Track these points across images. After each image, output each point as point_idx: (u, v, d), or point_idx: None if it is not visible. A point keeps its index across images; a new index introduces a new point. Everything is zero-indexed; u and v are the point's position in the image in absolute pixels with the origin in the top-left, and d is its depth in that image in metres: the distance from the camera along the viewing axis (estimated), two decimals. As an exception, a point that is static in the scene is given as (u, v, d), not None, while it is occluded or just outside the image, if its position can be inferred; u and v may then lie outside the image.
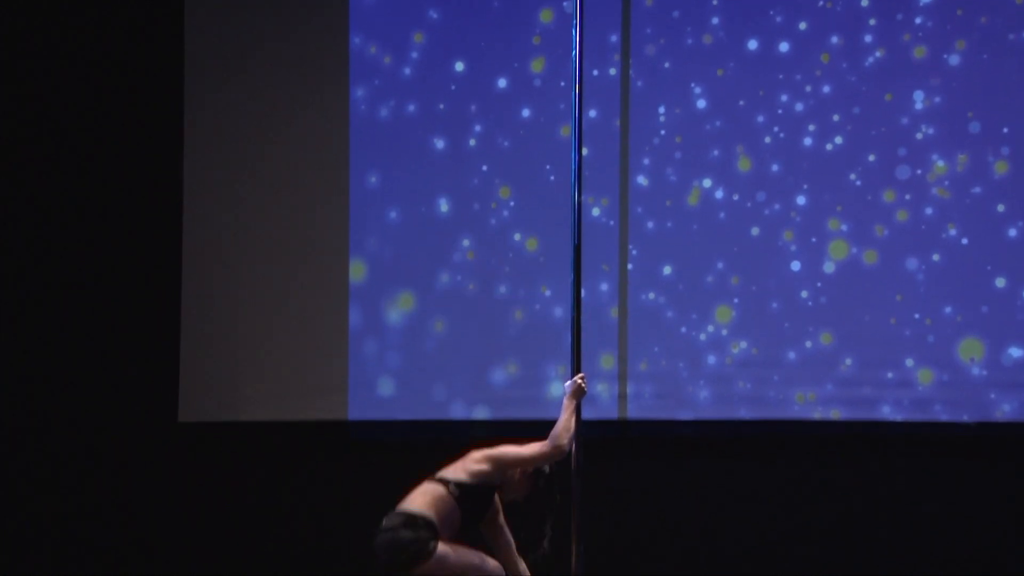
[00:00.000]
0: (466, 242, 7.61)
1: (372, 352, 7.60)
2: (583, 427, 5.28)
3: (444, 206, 7.64)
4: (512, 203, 7.59)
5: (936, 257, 7.20)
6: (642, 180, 7.48)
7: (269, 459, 7.73)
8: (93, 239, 7.90)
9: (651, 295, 7.43)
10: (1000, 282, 7.14)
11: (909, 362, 7.16)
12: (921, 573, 7.11)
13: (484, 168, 7.61)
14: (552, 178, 7.53)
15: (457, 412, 7.50)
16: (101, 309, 7.86)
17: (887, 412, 7.15)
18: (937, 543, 7.14)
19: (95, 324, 7.85)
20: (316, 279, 7.69)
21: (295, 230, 7.73)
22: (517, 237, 7.58)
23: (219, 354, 7.71)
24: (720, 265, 7.38)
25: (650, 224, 7.47)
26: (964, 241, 7.18)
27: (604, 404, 7.34)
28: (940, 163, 7.24)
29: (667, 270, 7.43)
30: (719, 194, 7.42)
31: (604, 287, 7.44)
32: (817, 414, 7.20)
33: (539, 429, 7.25)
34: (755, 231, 7.37)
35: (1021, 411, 7.04)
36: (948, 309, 7.16)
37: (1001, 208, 7.17)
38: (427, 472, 7.49)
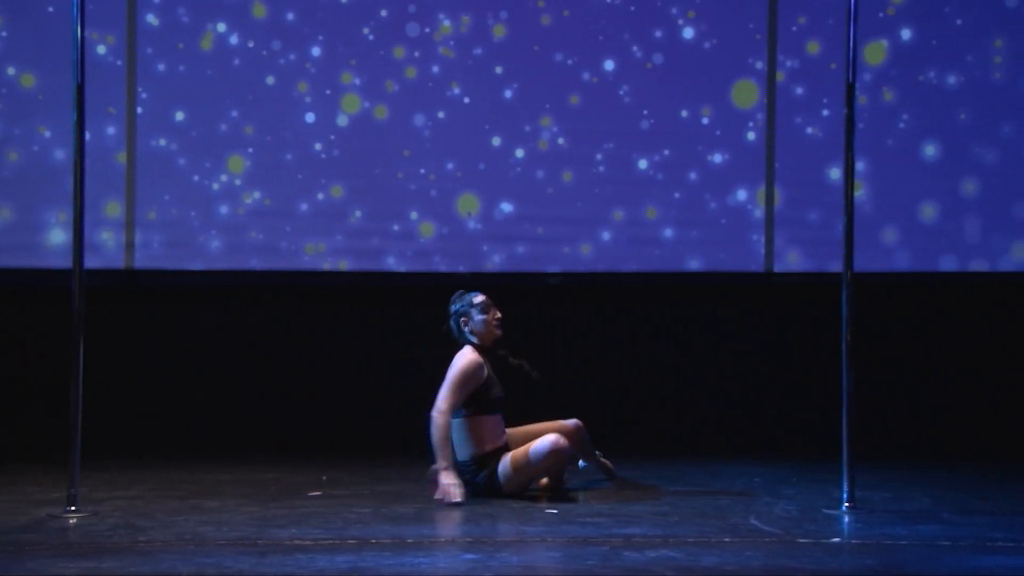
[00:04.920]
0: (-47, 74, 6.88)
1: None
2: (85, 276, 5.02)
3: (-74, 32, 6.85)
4: (4, 33, 6.94)
5: (441, 114, 7.48)
6: (152, 19, 7.10)
7: None
8: None
9: (161, 141, 7.13)
10: (496, 140, 7.55)
11: (413, 215, 7.43)
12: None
13: (-26, -7, 6.90)
14: (51, 9, 6.96)
15: (-60, 261, 6.85)
16: None
17: (392, 263, 7.40)
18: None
19: None
20: None
21: None
22: (11, 72, 6.97)
23: None
24: (234, 113, 7.21)
25: (161, 66, 7.12)
26: (466, 100, 7.51)
27: (110, 253, 7.02)
28: (446, 23, 7.48)
29: (179, 116, 7.15)
30: (234, 40, 7.21)
31: (111, 130, 7.03)
32: (326, 265, 7.31)
33: (35, 279, 6.88)
34: (270, 80, 7.26)
35: (508, 263, 7.52)
36: (450, 165, 7.49)
37: (499, 70, 7.55)
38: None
